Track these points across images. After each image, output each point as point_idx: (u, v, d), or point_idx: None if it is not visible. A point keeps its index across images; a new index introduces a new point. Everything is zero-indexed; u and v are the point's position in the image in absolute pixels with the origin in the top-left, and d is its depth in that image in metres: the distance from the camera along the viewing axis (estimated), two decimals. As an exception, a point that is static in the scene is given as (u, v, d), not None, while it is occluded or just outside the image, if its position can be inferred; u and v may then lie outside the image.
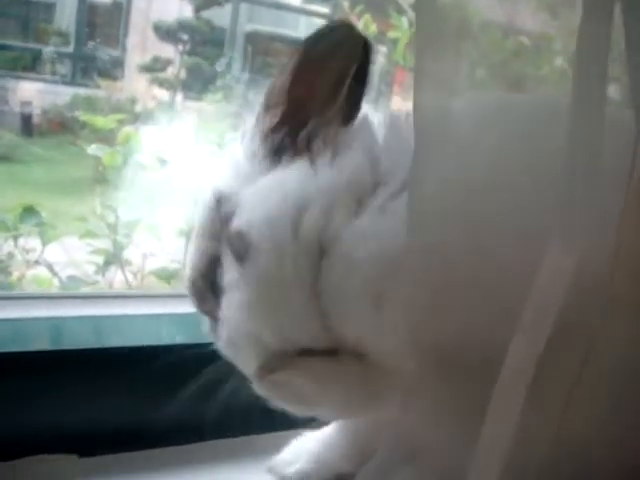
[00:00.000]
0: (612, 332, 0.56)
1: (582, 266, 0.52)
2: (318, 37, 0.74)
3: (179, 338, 1.07)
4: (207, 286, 0.81)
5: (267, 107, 0.79)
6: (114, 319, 1.14)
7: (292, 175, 0.74)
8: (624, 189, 0.53)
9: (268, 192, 0.74)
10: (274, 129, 0.79)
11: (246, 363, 0.79)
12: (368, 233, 0.69)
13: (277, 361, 0.75)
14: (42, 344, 1.02)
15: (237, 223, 0.75)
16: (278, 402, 0.80)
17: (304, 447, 1.01)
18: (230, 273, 0.76)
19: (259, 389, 0.79)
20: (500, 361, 0.55)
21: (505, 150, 0.62)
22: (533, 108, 0.67)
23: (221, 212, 0.79)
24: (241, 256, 0.74)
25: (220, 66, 1.98)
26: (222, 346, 0.81)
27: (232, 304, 0.75)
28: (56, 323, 1.09)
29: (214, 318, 0.82)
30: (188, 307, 1.04)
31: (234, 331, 0.77)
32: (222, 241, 0.78)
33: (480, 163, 0.63)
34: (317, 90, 0.75)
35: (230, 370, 0.85)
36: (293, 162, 0.76)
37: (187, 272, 0.85)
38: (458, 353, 0.62)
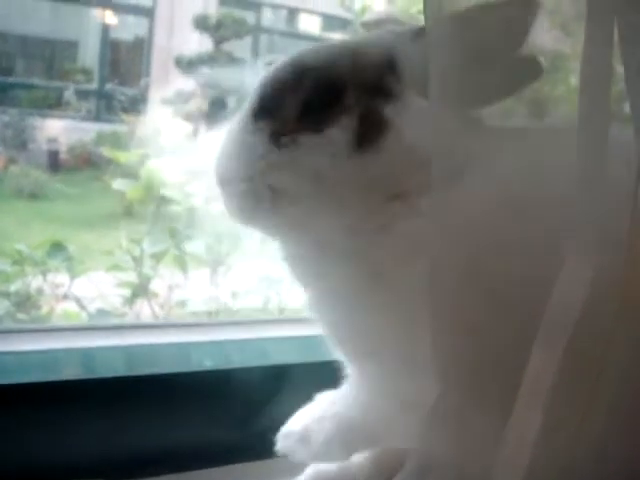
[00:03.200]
0: (626, 341, 0.57)
1: (596, 280, 0.53)
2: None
3: (208, 364, 1.08)
4: (310, 89, 0.71)
5: None
6: (143, 348, 1.15)
7: (453, 131, 0.71)
8: (630, 206, 0.54)
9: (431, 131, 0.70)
10: None
11: None
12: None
13: None
14: (73, 373, 1.04)
15: (390, 115, 0.69)
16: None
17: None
18: (340, 136, 0.69)
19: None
20: (518, 382, 0.56)
21: (523, 171, 0.63)
22: (553, 132, 0.68)
23: (384, 75, 0.71)
24: (361, 142, 0.69)
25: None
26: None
27: (317, 163, 0.70)
28: (86, 353, 1.10)
29: (273, 112, 0.73)
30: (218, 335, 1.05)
31: (292, 181, 0.71)
32: (361, 97, 0.70)
33: (499, 183, 0.64)
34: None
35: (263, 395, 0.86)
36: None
37: (311, 50, 0.75)
38: (480, 374, 0.62)
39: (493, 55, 0.69)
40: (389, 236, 0.69)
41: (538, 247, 0.58)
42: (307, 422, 0.86)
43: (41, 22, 5.14)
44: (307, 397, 0.87)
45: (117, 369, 1.03)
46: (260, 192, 0.72)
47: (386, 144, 0.69)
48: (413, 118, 0.69)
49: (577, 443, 0.58)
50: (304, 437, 0.86)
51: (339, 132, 0.69)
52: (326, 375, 0.84)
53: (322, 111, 0.70)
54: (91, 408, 0.98)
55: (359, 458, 0.90)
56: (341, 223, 0.71)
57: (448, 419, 0.62)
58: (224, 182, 0.75)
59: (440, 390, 0.62)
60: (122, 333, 1.12)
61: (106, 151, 1.77)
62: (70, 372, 0.99)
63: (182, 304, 1.77)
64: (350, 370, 0.84)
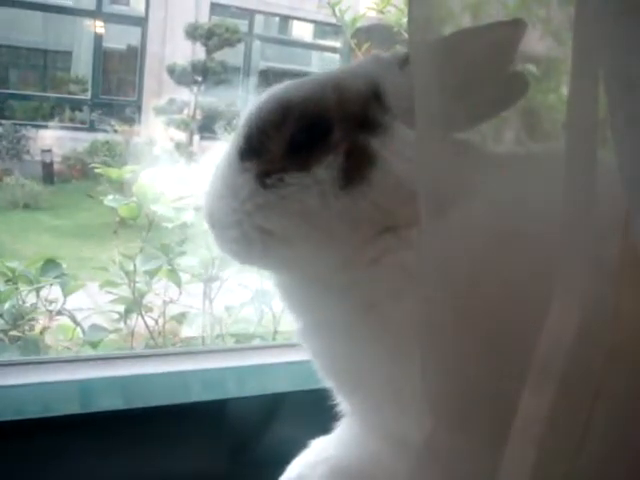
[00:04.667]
0: (615, 381, 0.56)
1: (584, 319, 0.52)
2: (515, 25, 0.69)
3: (208, 395, 1.07)
4: (295, 128, 0.70)
5: None
6: (140, 379, 1.13)
7: (443, 159, 0.69)
8: (619, 245, 0.53)
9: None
10: None
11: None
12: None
13: None
14: (68, 408, 1.02)
15: (376, 148, 0.68)
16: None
17: None
18: (326, 174, 0.68)
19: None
20: (510, 418, 0.55)
21: (517, 201, 0.62)
22: (548, 160, 0.67)
23: (369, 107, 0.71)
24: (348, 178, 0.68)
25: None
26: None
27: (304, 204, 0.68)
28: (83, 386, 1.08)
29: (259, 153, 0.71)
30: (216, 363, 1.04)
31: (279, 221, 0.70)
32: (347, 132, 0.69)
33: (492, 214, 0.63)
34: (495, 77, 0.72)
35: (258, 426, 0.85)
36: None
37: (294, 88, 0.74)
38: (471, 410, 0.62)
39: (482, 76, 0.68)
40: (380, 269, 0.68)
41: (532, 282, 0.58)
42: (301, 469, 0.86)
43: (34, 33, 5.13)
44: (304, 425, 0.86)
45: (114, 402, 1.02)
46: (250, 236, 0.71)
47: (374, 178, 0.68)
48: (401, 150, 0.68)
49: (574, 472, 0.58)
50: None
51: (326, 170, 0.68)
52: (324, 402, 0.83)
53: (308, 149, 0.69)
54: (88, 442, 0.96)
55: None
56: (332, 258, 0.70)
57: (440, 455, 0.61)
58: (215, 224, 0.74)
59: (431, 425, 0.61)
60: (118, 364, 1.10)
61: (98, 168, 1.76)
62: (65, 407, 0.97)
63: (176, 319, 1.77)
64: (343, 406, 0.83)
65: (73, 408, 0.98)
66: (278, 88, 0.74)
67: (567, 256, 0.53)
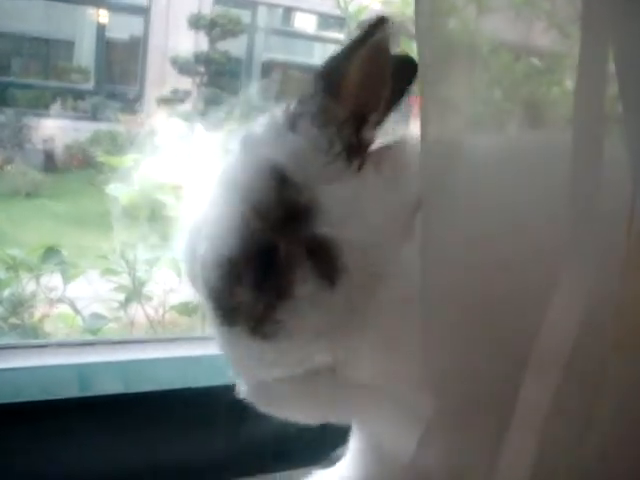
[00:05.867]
0: (619, 370, 0.56)
1: (588, 308, 0.52)
2: (382, 26, 0.69)
3: (205, 381, 1.07)
4: (248, 272, 0.68)
5: (339, 96, 0.69)
6: (140, 364, 1.13)
7: (373, 193, 0.69)
8: (625, 236, 0.53)
9: (361, 211, 0.68)
10: (347, 121, 0.70)
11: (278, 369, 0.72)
12: (404, 274, 0.67)
13: None
14: (69, 392, 1.02)
15: (327, 233, 0.66)
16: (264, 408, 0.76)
17: None
18: (309, 286, 0.66)
19: (248, 394, 0.76)
20: (512, 408, 0.55)
21: (516, 193, 0.62)
22: (549, 148, 0.67)
23: (286, 196, 0.67)
24: (327, 275, 0.66)
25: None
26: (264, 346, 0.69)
27: (310, 323, 0.67)
28: (82, 370, 1.08)
29: (239, 311, 0.69)
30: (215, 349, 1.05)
31: (300, 350, 0.69)
32: (290, 238, 0.67)
33: (492, 203, 0.63)
34: (379, 85, 0.69)
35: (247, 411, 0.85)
36: (362, 170, 0.71)
37: (216, 243, 0.70)
38: (473, 394, 0.62)
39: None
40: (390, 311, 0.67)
41: (536, 271, 0.58)
42: None
43: (36, 21, 5.12)
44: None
45: (113, 386, 1.02)
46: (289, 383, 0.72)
47: (346, 258, 0.66)
48: (341, 214, 0.67)
49: (576, 461, 0.58)
50: None
51: (306, 284, 0.67)
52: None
53: (275, 280, 0.67)
54: (87, 426, 0.97)
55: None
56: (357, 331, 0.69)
57: (440, 450, 0.62)
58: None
59: (431, 416, 0.62)
60: (117, 349, 1.11)
61: (100, 156, 1.76)
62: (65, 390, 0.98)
63: (176, 308, 1.77)
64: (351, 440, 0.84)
65: (73, 391, 0.99)
66: (211, 248, 0.71)
67: (572, 246, 0.53)
